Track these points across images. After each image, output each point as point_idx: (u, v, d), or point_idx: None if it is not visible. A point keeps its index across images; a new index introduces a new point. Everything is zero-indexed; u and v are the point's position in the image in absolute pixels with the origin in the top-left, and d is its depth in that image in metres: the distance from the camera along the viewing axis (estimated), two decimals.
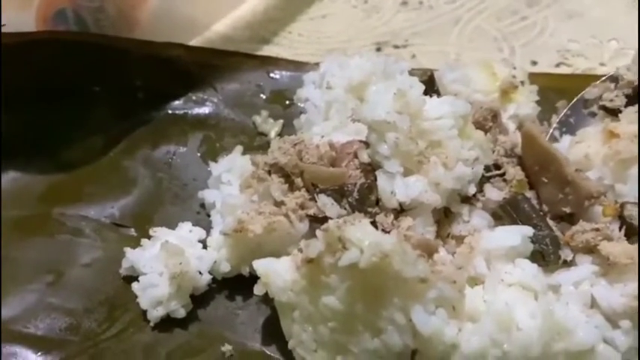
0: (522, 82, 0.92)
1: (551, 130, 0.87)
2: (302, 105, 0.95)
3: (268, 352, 0.75)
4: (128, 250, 0.78)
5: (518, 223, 0.73)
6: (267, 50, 1.13)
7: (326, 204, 0.73)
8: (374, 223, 0.71)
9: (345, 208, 0.73)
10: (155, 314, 0.75)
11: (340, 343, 0.69)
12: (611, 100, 0.83)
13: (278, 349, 0.75)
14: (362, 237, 0.63)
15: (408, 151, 0.70)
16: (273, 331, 0.75)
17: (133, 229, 0.85)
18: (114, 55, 0.96)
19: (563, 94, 0.99)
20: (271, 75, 1.03)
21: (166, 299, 0.74)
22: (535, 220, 0.73)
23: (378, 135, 0.72)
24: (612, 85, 0.85)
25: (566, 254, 0.72)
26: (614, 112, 0.82)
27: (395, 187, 0.71)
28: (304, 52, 1.13)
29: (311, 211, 0.75)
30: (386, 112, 0.71)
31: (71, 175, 0.91)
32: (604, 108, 0.83)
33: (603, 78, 0.87)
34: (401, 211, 0.73)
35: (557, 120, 0.88)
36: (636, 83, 0.82)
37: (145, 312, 0.76)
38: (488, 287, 0.68)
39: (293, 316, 0.71)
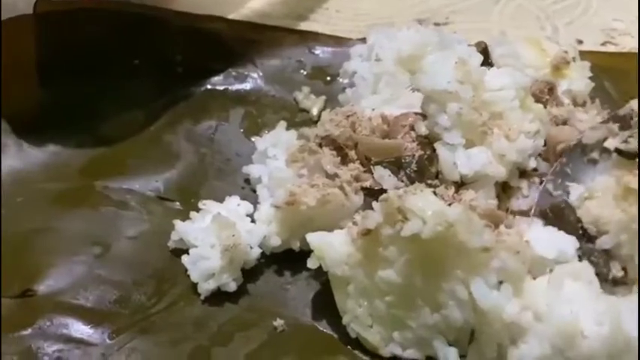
0: (574, 58, 0.90)
1: (543, 184, 0.73)
2: (345, 81, 0.94)
3: (320, 328, 0.73)
4: (177, 223, 0.76)
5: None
6: (304, 26, 1.11)
7: (383, 176, 0.72)
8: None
9: (402, 181, 0.72)
10: (206, 287, 0.73)
11: (397, 317, 0.67)
12: (626, 142, 0.68)
13: (329, 324, 0.73)
14: (424, 206, 0.61)
15: (471, 121, 0.68)
16: (324, 307, 0.73)
17: (178, 203, 0.83)
18: (155, 27, 0.95)
19: (611, 72, 0.97)
20: (312, 51, 1.01)
21: (218, 272, 0.72)
22: (580, 231, 0.67)
23: (439, 105, 0.70)
24: (616, 127, 0.70)
25: (616, 269, 0.66)
26: (630, 156, 0.68)
27: (457, 159, 0.69)
28: (342, 28, 1.11)
29: (366, 184, 0.73)
30: (447, 81, 0.69)
31: (112, 149, 0.89)
32: (618, 151, 0.68)
33: (605, 119, 0.74)
34: (461, 184, 0.71)
35: (551, 171, 0.73)
36: None
37: (194, 285, 0.74)
38: (552, 283, 0.63)
39: (348, 291, 0.69)
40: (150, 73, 0.95)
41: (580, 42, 1.09)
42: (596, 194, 0.68)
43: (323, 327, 0.73)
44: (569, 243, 0.66)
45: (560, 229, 0.67)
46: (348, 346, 0.71)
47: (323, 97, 0.96)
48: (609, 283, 0.65)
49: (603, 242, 0.65)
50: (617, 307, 0.60)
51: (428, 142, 0.73)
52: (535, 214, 0.68)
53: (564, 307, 0.60)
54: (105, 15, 0.93)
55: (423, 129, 0.72)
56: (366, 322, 0.69)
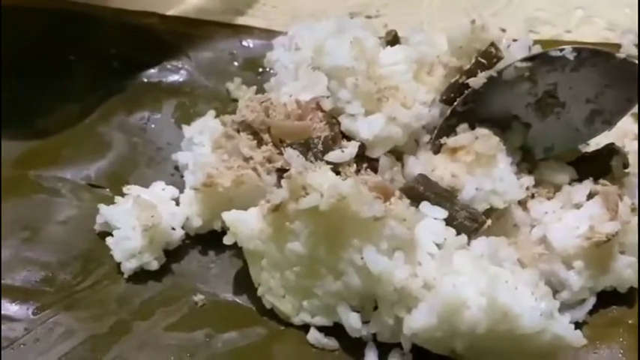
0: None
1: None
2: (271, 70, 0.98)
3: (239, 301, 0.77)
4: (102, 207, 0.80)
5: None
6: (240, 21, 1.14)
7: (292, 156, 0.76)
8: (338, 173, 0.74)
9: (310, 161, 0.76)
10: (129, 266, 0.77)
11: (306, 287, 0.72)
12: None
13: (248, 297, 0.77)
14: (322, 181, 0.66)
15: (367, 91, 0.74)
16: (244, 282, 0.77)
17: (108, 190, 0.87)
18: (89, 24, 0.99)
19: None
20: (244, 43, 1.06)
21: (139, 252, 0.76)
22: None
23: (338, 81, 0.75)
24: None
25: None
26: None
27: (359, 127, 0.74)
28: (277, 23, 1.15)
29: (278, 164, 0.77)
30: (343, 58, 0.74)
31: (47, 141, 0.92)
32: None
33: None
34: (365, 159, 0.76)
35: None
36: None
37: (119, 265, 0.78)
38: (442, 256, 0.68)
39: (261, 264, 0.74)
40: (86, 67, 0.99)
41: (503, 31, 1.14)
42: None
43: (242, 301, 0.78)
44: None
45: (430, 196, 0.72)
46: (265, 317, 0.75)
47: (253, 87, 1.00)
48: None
49: (462, 198, 0.73)
50: (495, 280, 0.65)
51: (335, 122, 0.78)
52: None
53: (450, 280, 0.65)
54: (40, 12, 0.97)
55: (328, 105, 0.77)
56: (278, 293, 0.74)
